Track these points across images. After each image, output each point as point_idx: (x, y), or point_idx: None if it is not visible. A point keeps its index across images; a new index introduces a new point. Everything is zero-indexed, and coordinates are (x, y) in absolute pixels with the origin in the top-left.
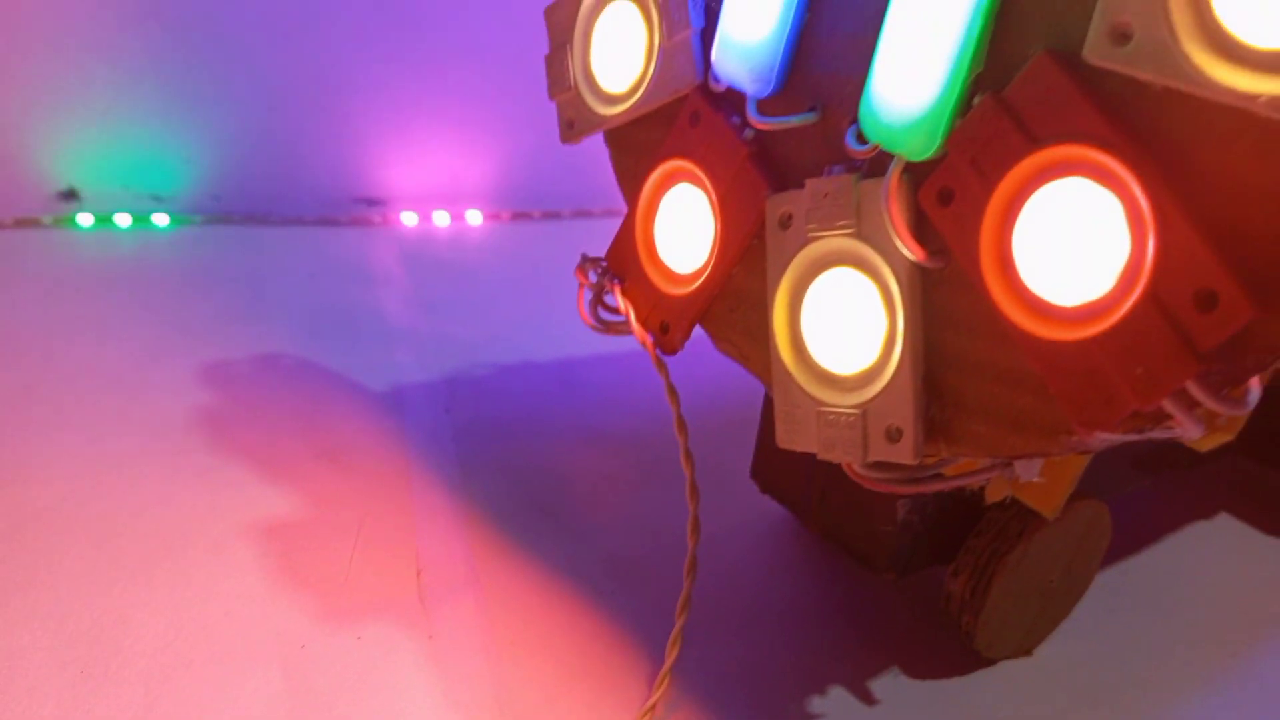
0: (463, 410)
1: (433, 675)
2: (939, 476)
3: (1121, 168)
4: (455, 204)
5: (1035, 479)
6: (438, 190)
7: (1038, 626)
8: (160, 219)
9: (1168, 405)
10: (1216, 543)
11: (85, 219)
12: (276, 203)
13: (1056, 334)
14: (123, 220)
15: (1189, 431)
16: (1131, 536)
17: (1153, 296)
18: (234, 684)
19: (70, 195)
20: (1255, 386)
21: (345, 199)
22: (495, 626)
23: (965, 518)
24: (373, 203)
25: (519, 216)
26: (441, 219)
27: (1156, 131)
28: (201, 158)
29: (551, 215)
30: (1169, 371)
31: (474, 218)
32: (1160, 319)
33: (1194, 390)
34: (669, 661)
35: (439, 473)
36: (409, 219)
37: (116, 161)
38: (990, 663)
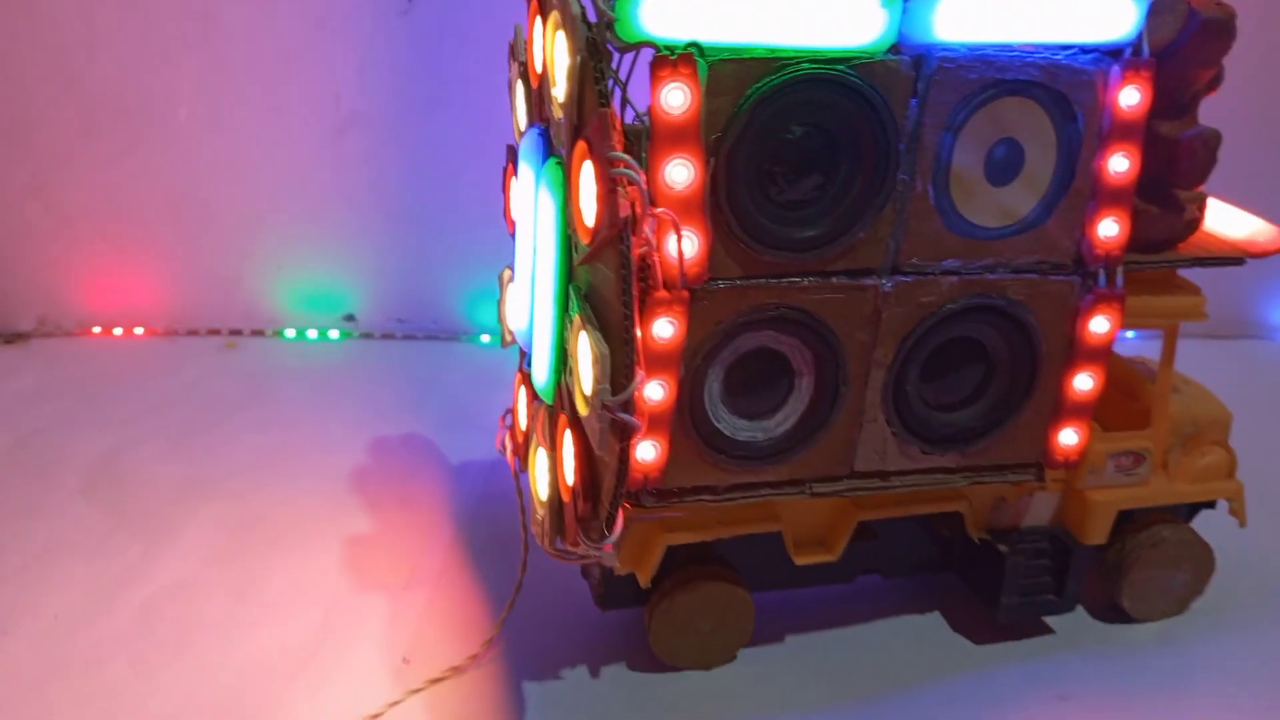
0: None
1: None
2: None
3: None
4: None
5: (614, 564)
6: None
7: (711, 653)
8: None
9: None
10: (921, 636)
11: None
12: (440, 323)
13: None
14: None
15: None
16: (851, 614)
17: None
18: None
19: (350, 318)
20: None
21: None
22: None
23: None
24: None
25: None
26: None
27: None
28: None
29: None
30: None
31: None
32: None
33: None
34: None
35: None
36: None
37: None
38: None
